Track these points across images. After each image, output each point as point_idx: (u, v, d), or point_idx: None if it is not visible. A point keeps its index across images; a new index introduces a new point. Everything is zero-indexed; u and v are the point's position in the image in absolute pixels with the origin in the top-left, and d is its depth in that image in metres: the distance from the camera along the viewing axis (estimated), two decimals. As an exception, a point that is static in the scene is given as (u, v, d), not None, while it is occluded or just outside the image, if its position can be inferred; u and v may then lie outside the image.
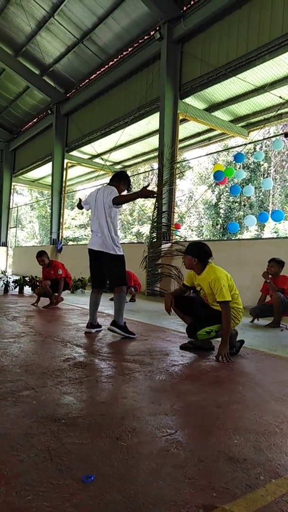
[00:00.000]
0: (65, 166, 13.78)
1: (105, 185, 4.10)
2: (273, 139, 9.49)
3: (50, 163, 14.07)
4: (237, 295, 3.22)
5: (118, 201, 3.81)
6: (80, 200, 4.26)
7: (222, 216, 19.93)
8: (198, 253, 3.26)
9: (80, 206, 4.24)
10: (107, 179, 17.14)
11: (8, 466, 1.31)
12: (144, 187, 3.68)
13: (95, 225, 3.88)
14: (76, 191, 19.06)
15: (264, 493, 1.23)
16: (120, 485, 1.23)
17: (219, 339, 3.07)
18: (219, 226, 20.21)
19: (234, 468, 1.37)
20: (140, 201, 23.42)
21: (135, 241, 20.73)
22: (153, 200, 8.52)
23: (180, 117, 8.96)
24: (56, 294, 5.90)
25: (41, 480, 1.24)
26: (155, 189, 9.02)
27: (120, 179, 4.05)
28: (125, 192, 4.05)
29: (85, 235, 25.51)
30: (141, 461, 1.38)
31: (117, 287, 3.78)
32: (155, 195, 3.79)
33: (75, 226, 25.91)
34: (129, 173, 16.15)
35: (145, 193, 3.64)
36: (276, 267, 4.87)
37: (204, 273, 3.20)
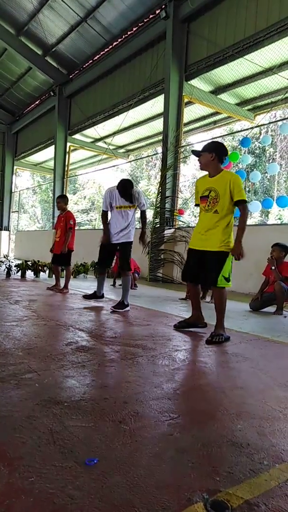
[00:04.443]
0: (67, 149, 13.61)
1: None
2: (280, 123, 9.31)
3: (53, 147, 13.90)
4: None
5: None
6: None
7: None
8: (217, 148, 3.20)
9: None
10: (110, 163, 16.82)
11: (11, 447, 1.31)
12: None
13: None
14: (78, 175, 18.90)
15: (268, 478, 1.23)
16: (123, 468, 1.23)
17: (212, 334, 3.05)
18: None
19: (237, 453, 1.36)
20: (143, 185, 23.25)
21: (138, 227, 20.64)
22: (157, 186, 8.50)
23: (185, 100, 8.76)
24: (63, 284, 5.93)
25: (44, 462, 1.23)
26: (159, 174, 8.93)
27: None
28: None
29: (87, 220, 25.41)
30: (144, 445, 1.38)
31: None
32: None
33: (78, 211, 25.80)
34: (132, 157, 15.99)
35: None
36: (278, 251, 4.81)
37: (219, 175, 3.16)
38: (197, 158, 3.30)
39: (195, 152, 3.34)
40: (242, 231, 3.10)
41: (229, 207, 3.10)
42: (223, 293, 3.18)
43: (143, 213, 4.66)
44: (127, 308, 4.38)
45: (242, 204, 3.10)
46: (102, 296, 4.89)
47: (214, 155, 3.17)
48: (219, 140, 18.58)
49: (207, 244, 3.16)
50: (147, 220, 4.71)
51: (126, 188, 4.43)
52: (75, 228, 5.96)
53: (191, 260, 3.32)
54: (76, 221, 5.75)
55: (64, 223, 5.86)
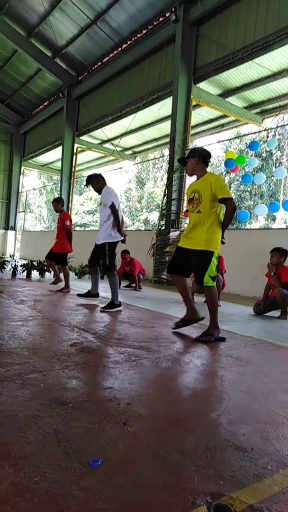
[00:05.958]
0: (75, 150, 13.67)
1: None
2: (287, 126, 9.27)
3: (60, 148, 13.97)
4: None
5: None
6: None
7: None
8: (199, 152, 3.37)
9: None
10: (116, 165, 16.81)
11: (16, 447, 1.32)
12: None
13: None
14: (85, 176, 18.99)
15: (272, 483, 1.23)
16: (127, 470, 1.23)
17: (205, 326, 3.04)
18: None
19: (241, 457, 1.36)
20: (149, 187, 23.27)
21: (143, 229, 20.65)
22: (163, 188, 8.51)
23: (193, 103, 8.78)
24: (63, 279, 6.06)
25: (48, 462, 1.24)
26: (165, 176, 8.93)
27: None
28: None
29: (93, 221, 25.48)
30: (148, 447, 1.38)
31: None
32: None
33: (83, 212, 25.88)
34: (138, 159, 16.02)
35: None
36: (277, 256, 4.79)
37: (203, 177, 3.29)
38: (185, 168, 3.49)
39: (181, 161, 3.48)
40: (227, 223, 3.22)
41: (211, 206, 3.17)
42: (212, 291, 3.24)
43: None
44: (119, 308, 4.38)
45: (226, 201, 3.17)
46: (97, 296, 4.87)
47: (198, 159, 3.31)
48: (225, 143, 18.56)
49: (192, 243, 3.25)
50: (119, 218, 4.44)
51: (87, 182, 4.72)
52: (72, 229, 6.24)
53: (176, 256, 3.46)
54: (82, 222, 5.88)
55: (60, 223, 6.15)
